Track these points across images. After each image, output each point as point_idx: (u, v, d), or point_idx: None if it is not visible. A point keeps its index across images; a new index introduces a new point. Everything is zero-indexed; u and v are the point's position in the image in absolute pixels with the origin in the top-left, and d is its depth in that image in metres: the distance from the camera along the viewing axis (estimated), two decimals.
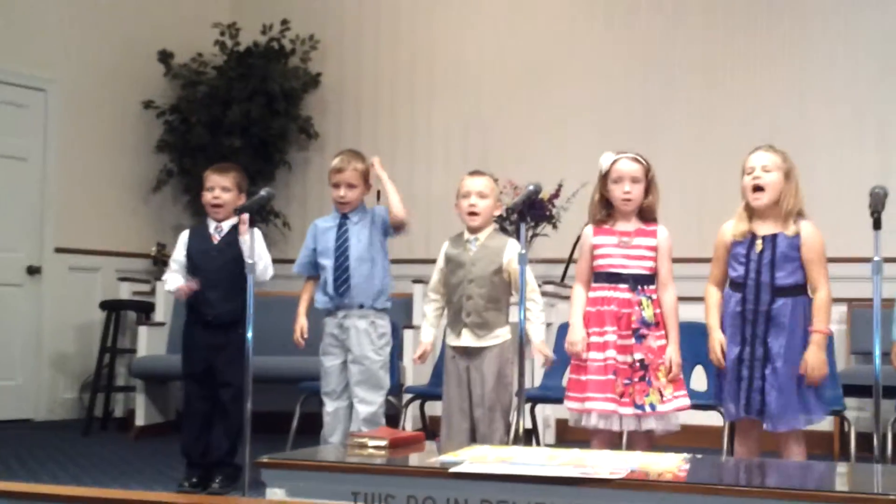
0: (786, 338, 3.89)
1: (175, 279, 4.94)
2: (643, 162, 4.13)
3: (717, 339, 4.02)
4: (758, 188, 3.95)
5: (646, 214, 4.16)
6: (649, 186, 4.13)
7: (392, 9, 8.18)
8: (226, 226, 4.94)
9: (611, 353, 4.04)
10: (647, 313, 4.05)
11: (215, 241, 4.91)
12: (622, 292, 4.07)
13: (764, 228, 3.98)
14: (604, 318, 4.07)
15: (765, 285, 3.92)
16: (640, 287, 4.07)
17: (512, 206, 4.45)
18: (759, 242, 3.95)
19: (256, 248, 4.75)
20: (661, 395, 4.02)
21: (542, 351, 4.31)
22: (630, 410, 4.00)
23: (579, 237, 4.34)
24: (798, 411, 3.91)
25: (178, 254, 4.98)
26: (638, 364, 4.02)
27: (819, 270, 3.93)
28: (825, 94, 6.97)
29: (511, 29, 7.82)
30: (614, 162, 4.12)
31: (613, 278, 4.09)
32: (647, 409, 4.01)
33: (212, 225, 4.97)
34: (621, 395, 4.01)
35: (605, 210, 4.16)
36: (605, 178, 4.14)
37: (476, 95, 7.88)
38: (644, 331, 4.04)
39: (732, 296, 4.00)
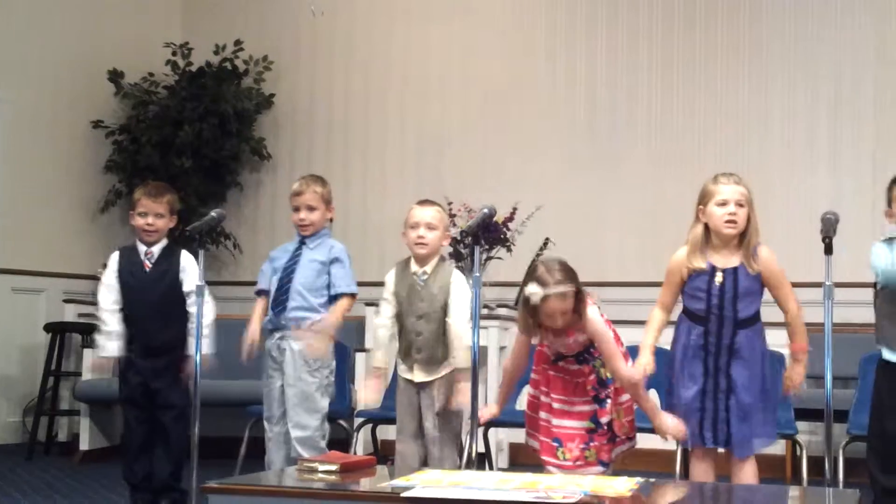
0: (747, 368, 3.89)
1: (109, 346, 4.77)
2: (571, 295, 3.73)
3: (644, 363, 3.87)
4: (731, 222, 3.90)
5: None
6: (578, 305, 3.79)
7: (347, 30, 8.15)
8: (156, 250, 4.85)
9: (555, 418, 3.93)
10: (604, 372, 3.90)
11: (147, 269, 4.82)
12: (569, 364, 3.93)
13: (721, 260, 3.92)
14: (550, 382, 3.95)
15: (728, 319, 3.88)
16: (584, 357, 3.91)
17: (466, 228, 4.41)
18: (718, 275, 3.91)
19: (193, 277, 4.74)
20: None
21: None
22: (598, 469, 3.87)
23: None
24: (756, 436, 3.91)
25: (109, 279, 4.86)
26: (606, 427, 3.91)
27: (785, 292, 3.92)
28: (780, 120, 7.07)
29: (467, 52, 7.83)
30: (545, 299, 3.71)
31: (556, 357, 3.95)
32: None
33: (142, 250, 4.87)
34: (575, 460, 3.88)
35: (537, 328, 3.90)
36: (535, 309, 3.77)
37: (431, 118, 7.87)
38: (604, 393, 3.91)
39: (693, 328, 3.94)
